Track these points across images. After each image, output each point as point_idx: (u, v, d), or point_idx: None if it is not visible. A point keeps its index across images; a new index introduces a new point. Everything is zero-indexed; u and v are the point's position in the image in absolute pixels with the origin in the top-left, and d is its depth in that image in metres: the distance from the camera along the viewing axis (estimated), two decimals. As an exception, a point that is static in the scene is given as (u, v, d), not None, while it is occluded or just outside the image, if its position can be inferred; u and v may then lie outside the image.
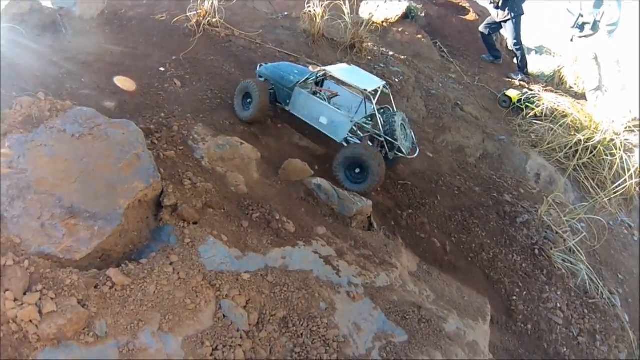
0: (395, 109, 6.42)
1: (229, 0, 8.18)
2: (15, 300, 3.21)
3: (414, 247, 6.22)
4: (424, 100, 9.05)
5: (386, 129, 6.03)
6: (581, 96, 10.53)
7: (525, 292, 5.99)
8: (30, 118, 4.30)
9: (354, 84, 6.04)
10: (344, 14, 8.86)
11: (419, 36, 10.77)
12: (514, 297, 5.93)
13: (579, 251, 6.49)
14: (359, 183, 6.01)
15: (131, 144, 4.36)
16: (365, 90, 5.95)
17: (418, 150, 6.44)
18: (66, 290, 3.35)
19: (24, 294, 3.26)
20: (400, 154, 6.12)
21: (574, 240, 6.56)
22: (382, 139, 6.06)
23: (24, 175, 3.91)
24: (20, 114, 4.30)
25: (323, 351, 3.89)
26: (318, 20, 8.65)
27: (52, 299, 3.26)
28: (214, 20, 7.90)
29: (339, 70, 6.35)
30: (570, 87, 11.03)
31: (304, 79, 6.26)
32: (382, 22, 10.63)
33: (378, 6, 10.86)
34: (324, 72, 6.31)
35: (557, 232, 6.78)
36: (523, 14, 10.09)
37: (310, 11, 8.74)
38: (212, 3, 7.77)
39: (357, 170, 6.01)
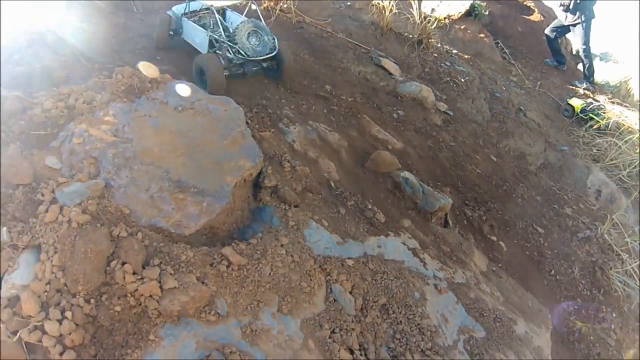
0: (263, 24, 6.42)
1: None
2: (135, 273, 3.04)
3: (483, 248, 6.09)
4: (488, 103, 8.77)
5: (227, 34, 6.27)
6: (650, 111, 10.08)
7: (582, 310, 5.83)
8: (132, 88, 4.15)
9: (206, 3, 6.62)
10: (411, 8, 8.64)
11: (481, 35, 10.46)
12: (572, 312, 5.77)
13: (636, 275, 6.28)
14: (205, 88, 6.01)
15: (234, 121, 4.19)
16: (212, 6, 6.46)
17: (276, 49, 6.22)
18: (184, 266, 3.18)
19: (143, 267, 3.10)
20: (241, 55, 6.01)
21: (633, 263, 6.34)
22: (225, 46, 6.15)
23: (129, 144, 3.75)
24: (122, 83, 4.16)
25: (420, 339, 3.88)
26: (386, 14, 8.43)
27: (171, 274, 3.09)
28: (284, 6, 7.73)
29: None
30: (638, 101, 10.49)
31: (190, 10, 6.70)
32: (445, 18, 10.34)
33: (441, 1, 10.58)
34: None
35: (617, 253, 6.56)
36: (594, 17, 9.67)
37: (378, 3, 8.53)
38: (285, -11, 7.63)
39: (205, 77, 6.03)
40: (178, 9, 6.84)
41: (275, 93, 5.86)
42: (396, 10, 8.57)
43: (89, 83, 4.11)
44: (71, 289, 3.02)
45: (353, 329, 3.49)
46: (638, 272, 6.30)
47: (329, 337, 3.31)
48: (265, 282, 3.32)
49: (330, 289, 3.66)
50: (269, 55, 6.09)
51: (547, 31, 10.34)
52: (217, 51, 6.17)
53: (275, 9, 7.61)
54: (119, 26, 6.70)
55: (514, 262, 6.09)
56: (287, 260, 3.53)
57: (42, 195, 3.40)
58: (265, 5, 7.64)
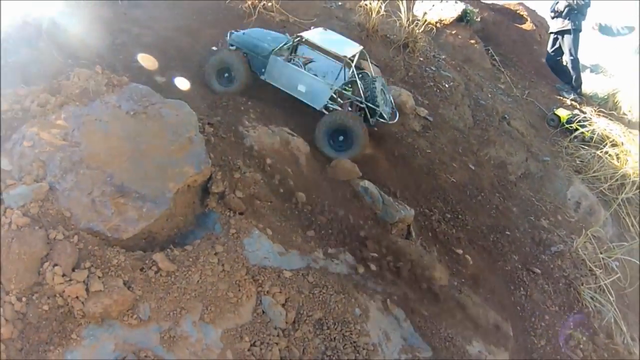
0: (373, 74, 5.97)
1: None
2: (64, 275, 3.20)
3: (447, 261, 5.98)
4: (471, 110, 8.76)
5: (367, 94, 5.77)
6: (634, 125, 9.96)
7: (549, 326, 5.75)
8: (87, 91, 4.27)
9: (333, 50, 5.86)
10: (400, 11, 8.64)
11: (472, 41, 10.45)
12: (537, 329, 5.69)
13: (609, 292, 6.22)
14: (344, 150, 5.78)
15: (184, 126, 4.30)
16: (345, 56, 5.76)
17: (398, 115, 6.02)
18: (113, 270, 3.34)
19: (73, 270, 3.25)
20: (382, 120, 5.82)
21: (607, 279, 6.29)
22: (363, 105, 5.80)
23: (77, 148, 3.88)
24: (77, 86, 4.28)
25: (353, 357, 3.87)
26: (373, 15, 8.45)
27: (99, 277, 3.25)
28: (269, 4, 7.78)
29: (315, 35, 6.09)
30: (624, 114, 10.42)
31: (279, 46, 5.98)
32: (436, 22, 10.33)
33: (433, 5, 10.57)
34: (299, 38, 6.00)
35: (590, 269, 6.52)
36: (581, 30, 9.68)
37: (366, 5, 8.55)
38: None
39: (341, 138, 5.77)
40: (249, 40, 6.14)
41: (236, 94, 5.89)
42: (384, 12, 8.57)
43: (45, 85, 4.23)
44: (5, 287, 3.19)
45: (277, 344, 3.57)
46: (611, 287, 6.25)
47: (249, 350, 3.42)
48: (191, 290, 3.46)
49: (260, 301, 3.75)
50: (389, 122, 5.69)
51: (549, 54, 10.24)
52: (331, 105, 5.76)
53: (258, 6, 7.64)
54: (100, 20, 6.70)
55: (481, 276, 5.99)
56: (218, 270, 3.65)
57: (-9, 197, 3.55)
58: (249, 3, 7.68)
